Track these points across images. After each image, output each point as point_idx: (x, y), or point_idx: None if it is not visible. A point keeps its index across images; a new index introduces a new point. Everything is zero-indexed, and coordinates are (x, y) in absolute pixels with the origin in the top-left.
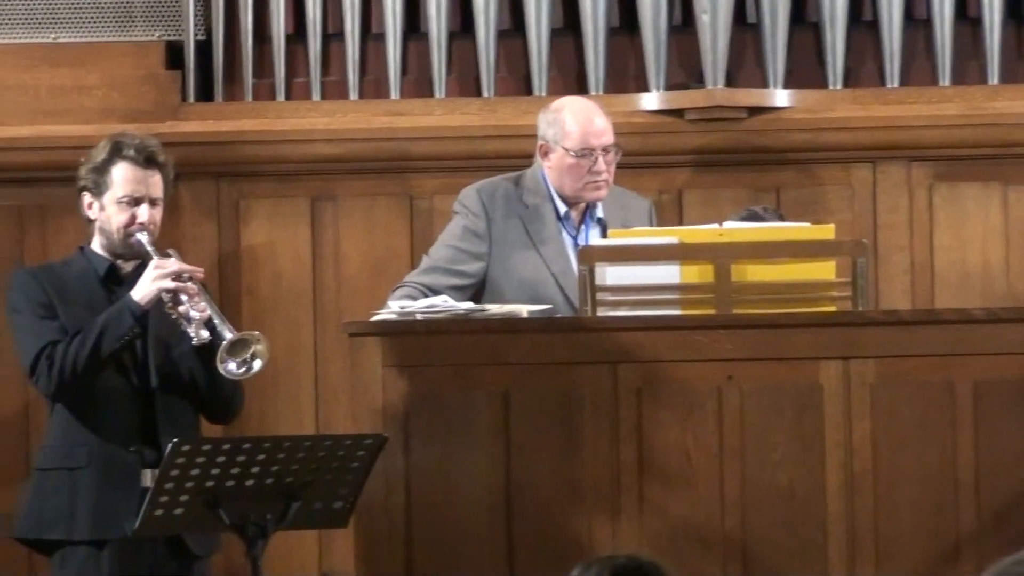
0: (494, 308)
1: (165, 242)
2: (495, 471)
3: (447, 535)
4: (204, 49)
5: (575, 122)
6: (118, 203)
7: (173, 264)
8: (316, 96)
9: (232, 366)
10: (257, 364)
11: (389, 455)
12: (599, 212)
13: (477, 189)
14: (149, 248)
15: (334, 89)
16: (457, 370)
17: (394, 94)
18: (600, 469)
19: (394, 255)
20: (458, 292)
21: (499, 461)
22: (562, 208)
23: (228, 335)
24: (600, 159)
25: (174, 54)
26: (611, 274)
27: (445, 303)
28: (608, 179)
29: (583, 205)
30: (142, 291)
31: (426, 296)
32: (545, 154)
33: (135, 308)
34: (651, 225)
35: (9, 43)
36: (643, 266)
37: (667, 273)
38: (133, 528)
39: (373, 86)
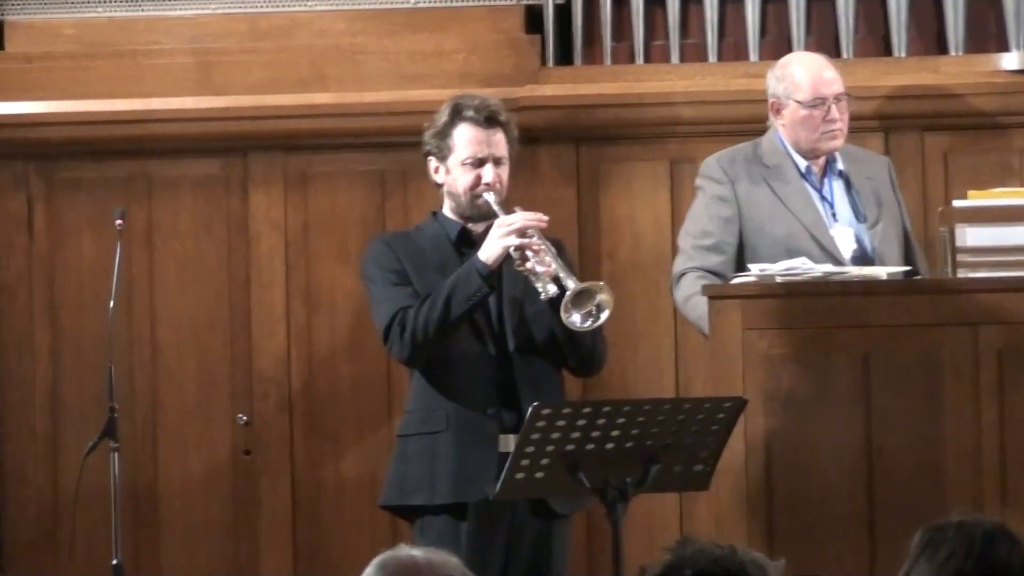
0: (854, 270)
1: (526, 207)
2: (855, 434)
3: (807, 498)
4: (563, 12)
5: (804, 73)
6: (462, 165)
7: (517, 220)
8: (675, 59)
9: (576, 318)
10: (604, 314)
11: (749, 418)
12: (840, 165)
13: (716, 158)
14: (496, 208)
15: (693, 52)
16: (816, 332)
17: (753, 56)
18: (961, 432)
19: None
20: (726, 263)
21: (859, 424)
22: (802, 164)
23: (572, 286)
24: (833, 107)
25: (533, 17)
26: (971, 235)
27: (804, 264)
28: (843, 128)
29: (823, 159)
30: (488, 250)
31: (709, 275)
32: (777, 111)
33: (482, 268)
34: (892, 183)
35: (370, 8)
36: (1003, 227)
37: None
38: (495, 492)
39: (732, 48)
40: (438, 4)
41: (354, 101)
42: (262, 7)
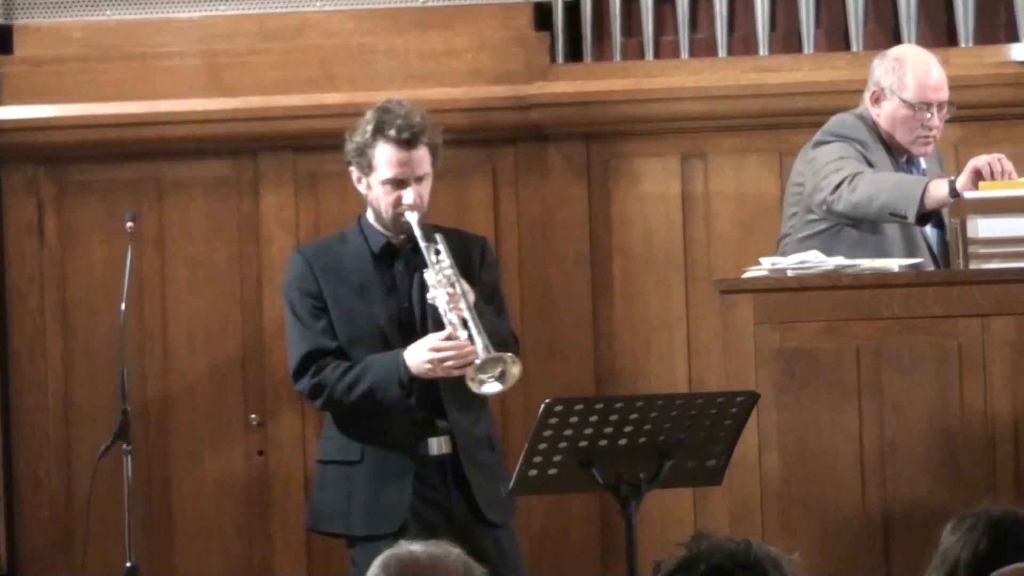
0: (865, 263)
1: (537, 202)
2: (868, 426)
3: (821, 491)
4: (572, 9)
5: (915, 74)
6: (383, 185)
7: (451, 354)
8: (684, 54)
9: (486, 385)
10: (497, 387)
11: (762, 412)
12: (923, 165)
13: (843, 118)
14: (417, 231)
15: (702, 46)
16: (829, 325)
17: (762, 50)
18: (974, 423)
19: (764, 212)
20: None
21: (872, 416)
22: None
23: (482, 352)
24: (935, 114)
25: (542, 15)
26: (983, 226)
27: (816, 258)
28: (937, 135)
29: (905, 157)
30: (418, 366)
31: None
32: (876, 100)
33: (404, 377)
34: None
35: (379, 8)
36: (1016, 217)
37: None
38: (508, 488)
39: (741, 42)
40: (447, 2)
41: (364, 101)
42: (271, 7)
